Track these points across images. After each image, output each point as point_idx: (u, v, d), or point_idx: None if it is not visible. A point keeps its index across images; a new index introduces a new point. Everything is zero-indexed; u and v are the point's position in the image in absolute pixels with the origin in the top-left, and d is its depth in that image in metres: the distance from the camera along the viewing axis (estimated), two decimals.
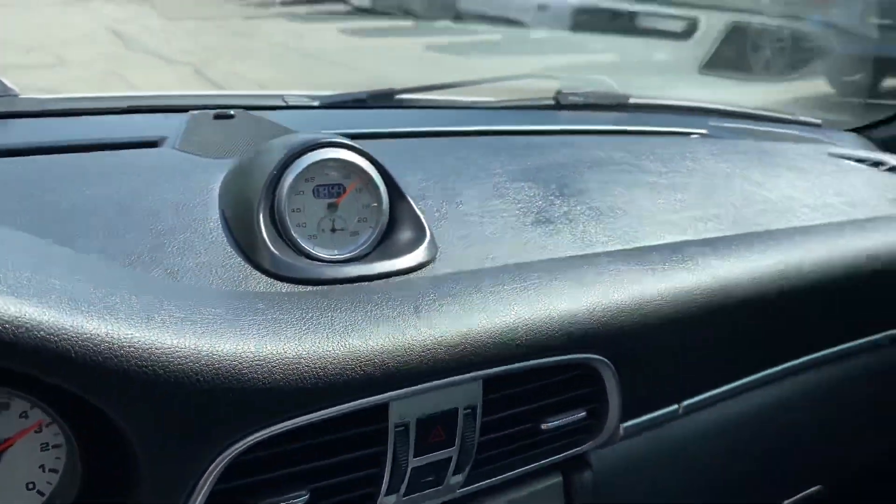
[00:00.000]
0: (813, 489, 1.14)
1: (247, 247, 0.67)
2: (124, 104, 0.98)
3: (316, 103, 1.12)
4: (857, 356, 1.08)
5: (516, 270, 0.72)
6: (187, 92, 1.13)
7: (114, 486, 0.46)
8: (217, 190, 0.74)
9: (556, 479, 0.81)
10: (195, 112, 0.94)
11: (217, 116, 0.93)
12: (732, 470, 1.01)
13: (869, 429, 1.20)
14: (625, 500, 0.87)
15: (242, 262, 0.66)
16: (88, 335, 0.47)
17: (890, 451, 1.28)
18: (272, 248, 0.66)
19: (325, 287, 0.66)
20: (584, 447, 0.78)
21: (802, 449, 1.09)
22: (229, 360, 0.52)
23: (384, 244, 0.73)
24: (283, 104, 1.08)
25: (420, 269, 0.71)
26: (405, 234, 0.73)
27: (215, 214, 0.71)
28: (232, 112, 0.94)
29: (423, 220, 0.73)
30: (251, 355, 0.53)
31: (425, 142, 1.03)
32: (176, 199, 0.71)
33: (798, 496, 1.12)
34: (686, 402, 0.86)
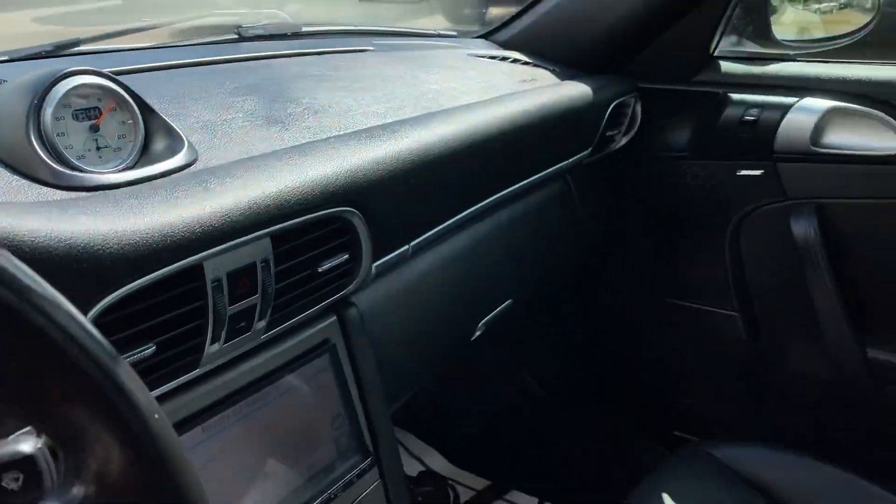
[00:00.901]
0: (506, 303, 1.48)
1: (28, 170, 0.73)
2: None
3: (5, 58, 1.11)
4: (529, 193, 1.43)
5: (269, 156, 0.88)
6: None
7: None
8: None
9: (333, 319, 1.00)
10: None
11: None
12: (451, 298, 1.29)
13: (540, 250, 1.59)
14: (382, 329, 1.10)
15: (30, 184, 0.72)
16: None
17: (551, 266, 1.69)
18: (53, 165, 0.73)
19: (119, 189, 0.75)
20: (350, 288, 0.98)
21: (499, 272, 1.42)
22: (78, 237, 0.61)
23: (147, 154, 0.83)
24: None
25: (187, 168, 0.83)
26: (164, 143, 0.84)
27: None
28: None
29: (178, 129, 0.85)
30: (95, 234, 0.63)
31: (136, 77, 1.10)
32: None
33: (496, 311, 1.45)
34: (413, 243, 1.10)
